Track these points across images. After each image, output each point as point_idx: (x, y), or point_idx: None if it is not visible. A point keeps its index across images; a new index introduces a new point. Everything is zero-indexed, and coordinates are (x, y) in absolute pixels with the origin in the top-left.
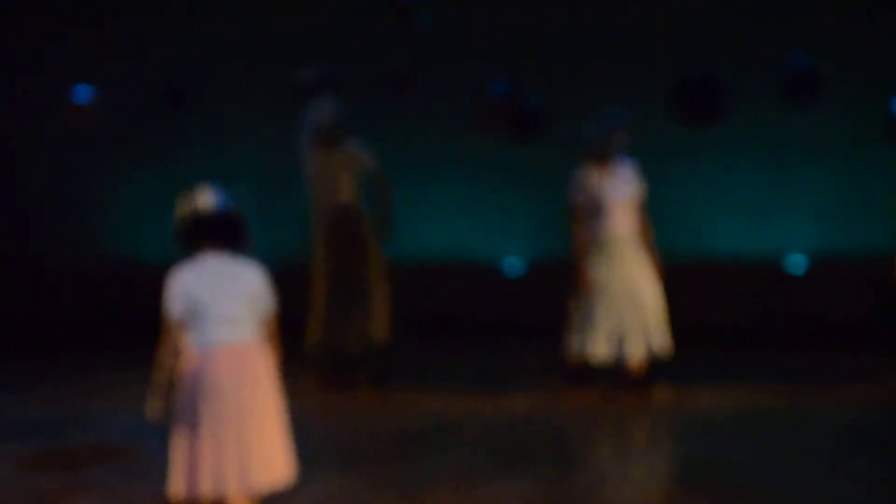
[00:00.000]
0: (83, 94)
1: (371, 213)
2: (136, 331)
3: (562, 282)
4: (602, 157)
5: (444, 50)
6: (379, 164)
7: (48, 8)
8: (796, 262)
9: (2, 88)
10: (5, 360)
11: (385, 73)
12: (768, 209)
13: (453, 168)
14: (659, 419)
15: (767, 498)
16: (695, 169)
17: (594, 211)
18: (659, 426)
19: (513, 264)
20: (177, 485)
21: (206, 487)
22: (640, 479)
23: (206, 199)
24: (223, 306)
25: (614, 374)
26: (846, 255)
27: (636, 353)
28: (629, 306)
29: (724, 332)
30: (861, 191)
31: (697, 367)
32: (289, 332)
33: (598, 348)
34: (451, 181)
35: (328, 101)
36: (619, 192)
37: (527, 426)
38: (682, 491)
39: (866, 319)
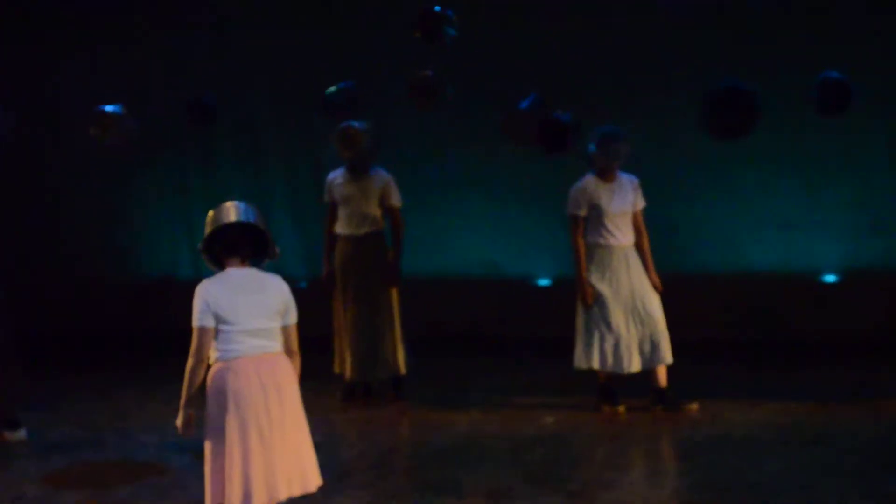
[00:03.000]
0: (111, 108)
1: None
2: (165, 347)
3: None
4: (602, 170)
5: (473, 65)
6: (401, 204)
7: (76, 26)
8: (827, 278)
9: (35, 107)
10: (34, 377)
11: (413, 88)
12: (799, 224)
13: (481, 183)
14: (686, 435)
15: None
16: (726, 184)
17: (594, 223)
18: (686, 442)
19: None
20: (209, 496)
21: (235, 499)
22: (665, 497)
23: (232, 213)
24: (248, 318)
25: (640, 387)
26: (877, 270)
27: (645, 364)
28: (633, 317)
29: (754, 346)
30: (891, 206)
31: (725, 382)
32: (317, 346)
33: (606, 358)
34: (480, 196)
35: (358, 126)
36: (619, 205)
37: (554, 442)
38: None
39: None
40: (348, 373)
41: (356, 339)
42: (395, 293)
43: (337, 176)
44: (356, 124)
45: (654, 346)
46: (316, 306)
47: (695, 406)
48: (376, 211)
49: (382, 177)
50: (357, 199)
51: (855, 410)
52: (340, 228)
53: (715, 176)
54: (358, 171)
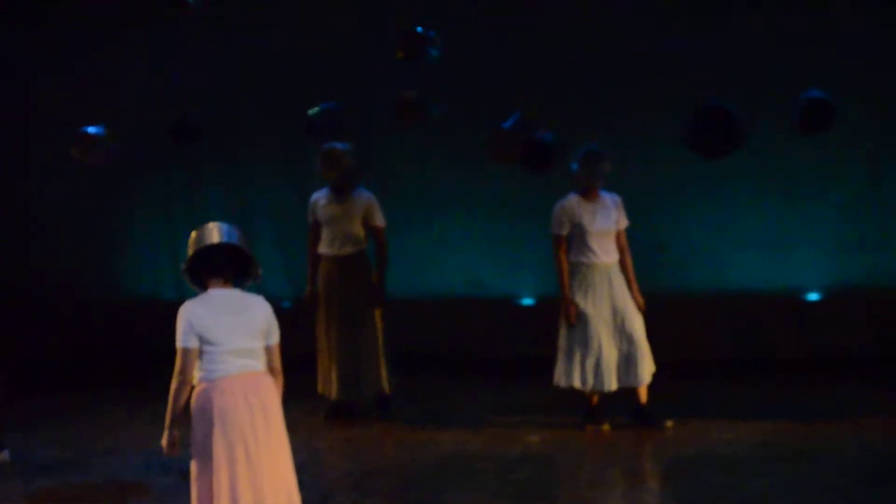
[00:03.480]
0: (92, 129)
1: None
2: (149, 367)
3: None
4: (585, 189)
5: (457, 85)
6: (385, 224)
7: (61, 43)
8: (811, 296)
9: (14, 126)
10: (18, 397)
11: (399, 108)
12: (783, 242)
13: (465, 203)
14: (672, 453)
15: None
16: (710, 203)
17: (577, 241)
18: (672, 460)
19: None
20: None
21: None
22: None
23: (215, 234)
24: (232, 338)
25: (624, 406)
26: (861, 287)
27: (622, 383)
28: (615, 336)
29: (739, 364)
30: (875, 224)
31: (710, 400)
32: (300, 366)
33: (586, 377)
34: (464, 216)
35: (341, 147)
36: (602, 224)
37: (539, 462)
38: None
39: (881, 352)
40: (333, 393)
41: (341, 359)
42: (378, 313)
43: (320, 197)
44: (339, 146)
45: (633, 366)
46: (299, 326)
47: (670, 424)
48: (360, 231)
49: (365, 197)
50: (340, 220)
51: (839, 428)
52: (324, 248)
53: (699, 195)
54: (341, 192)
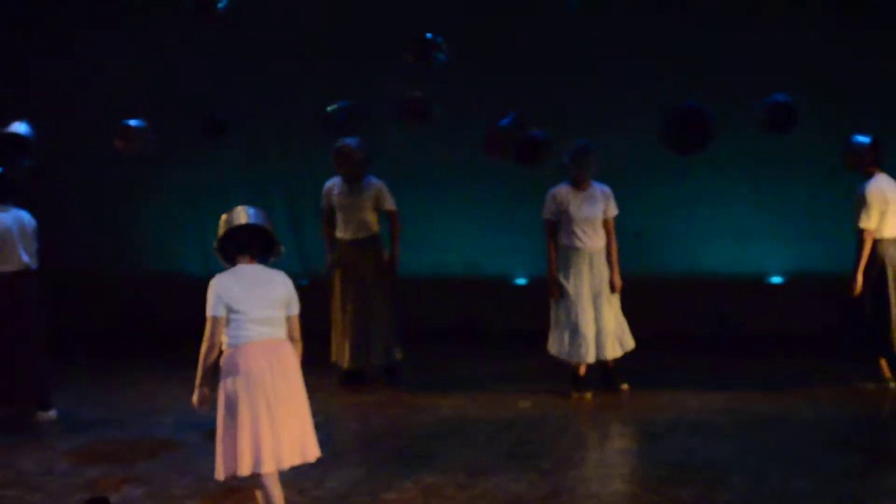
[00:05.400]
0: (134, 122)
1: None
2: (177, 336)
3: None
4: (575, 179)
5: (459, 84)
6: (396, 207)
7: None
8: (774, 279)
9: (66, 117)
10: (62, 364)
11: (405, 105)
12: (749, 230)
13: (463, 189)
14: (647, 418)
15: (742, 491)
16: (684, 195)
17: (565, 226)
18: (647, 424)
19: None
20: (221, 466)
21: (245, 466)
22: (628, 472)
23: (243, 216)
24: (256, 308)
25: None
26: (818, 272)
27: (604, 354)
28: (594, 313)
29: (708, 340)
30: (832, 215)
31: (683, 373)
32: (316, 336)
33: (567, 347)
34: (462, 202)
35: (352, 140)
36: (587, 211)
37: (528, 425)
38: (664, 482)
39: (835, 330)
40: (346, 362)
41: (354, 332)
42: (389, 288)
43: (333, 185)
44: (350, 142)
45: (604, 341)
46: (315, 301)
47: (625, 387)
48: (372, 216)
49: (375, 185)
50: (353, 207)
51: (796, 397)
52: (340, 233)
53: (674, 187)
54: (352, 182)
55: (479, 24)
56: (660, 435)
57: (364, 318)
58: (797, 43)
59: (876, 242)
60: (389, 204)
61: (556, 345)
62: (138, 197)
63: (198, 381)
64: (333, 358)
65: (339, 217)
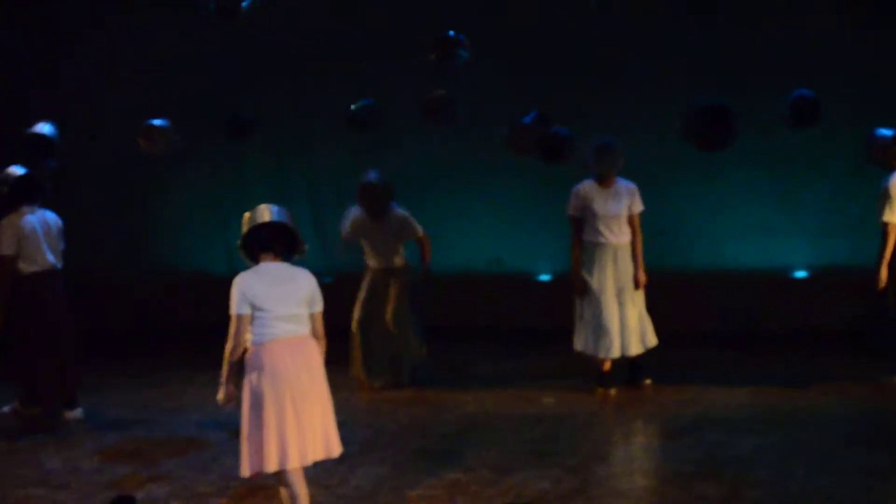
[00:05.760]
0: (158, 122)
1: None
2: (203, 336)
3: None
4: (599, 176)
5: (482, 83)
6: (423, 231)
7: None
8: (798, 274)
9: (97, 120)
10: (90, 364)
11: (428, 104)
12: (774, 226)
13: (487, 187)
14: (672, 414)
15: (768, 486)
16: (708, 191)
17: (590, 223)
18: (672, 420)
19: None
20: (247, 462)
21: (271, 463)
22: (653, 468)
23: (266, 214)
24: (280, 305)
25: (624, 370)
26: (843, 266)
27: (629, 349)
28: (619, 309)
29: (733, 336)
30: (856, 210)
31: (708, 368)
32: (341, 335)
33: (592, 343)
34: (486, 200)
35: (375, 174)
36: (612, 208)
37: (553, 421)
38: (690, 478)
39: (861, 326)
40: (374, 382)
41: (385, 351)
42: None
43: (357, 216)
44: (373, 177)
45: (629, 336)
46: (339, 299)
47: (648, 381)
48: (398, 245)
49: (399, 216)
50: (380, 239)
51: (822, 394)
52: (370, 261)
53: (698, 183)
54: (377, 218)
55: (503, 22)
56: (685, 431)
57: (387, 333)
58: (820, 39)
59: None
60: (417, 231)
61: (581, 341)
62: (162, 196)
63: (223, 378)
64: (353, 374)
65: (366, 245)
